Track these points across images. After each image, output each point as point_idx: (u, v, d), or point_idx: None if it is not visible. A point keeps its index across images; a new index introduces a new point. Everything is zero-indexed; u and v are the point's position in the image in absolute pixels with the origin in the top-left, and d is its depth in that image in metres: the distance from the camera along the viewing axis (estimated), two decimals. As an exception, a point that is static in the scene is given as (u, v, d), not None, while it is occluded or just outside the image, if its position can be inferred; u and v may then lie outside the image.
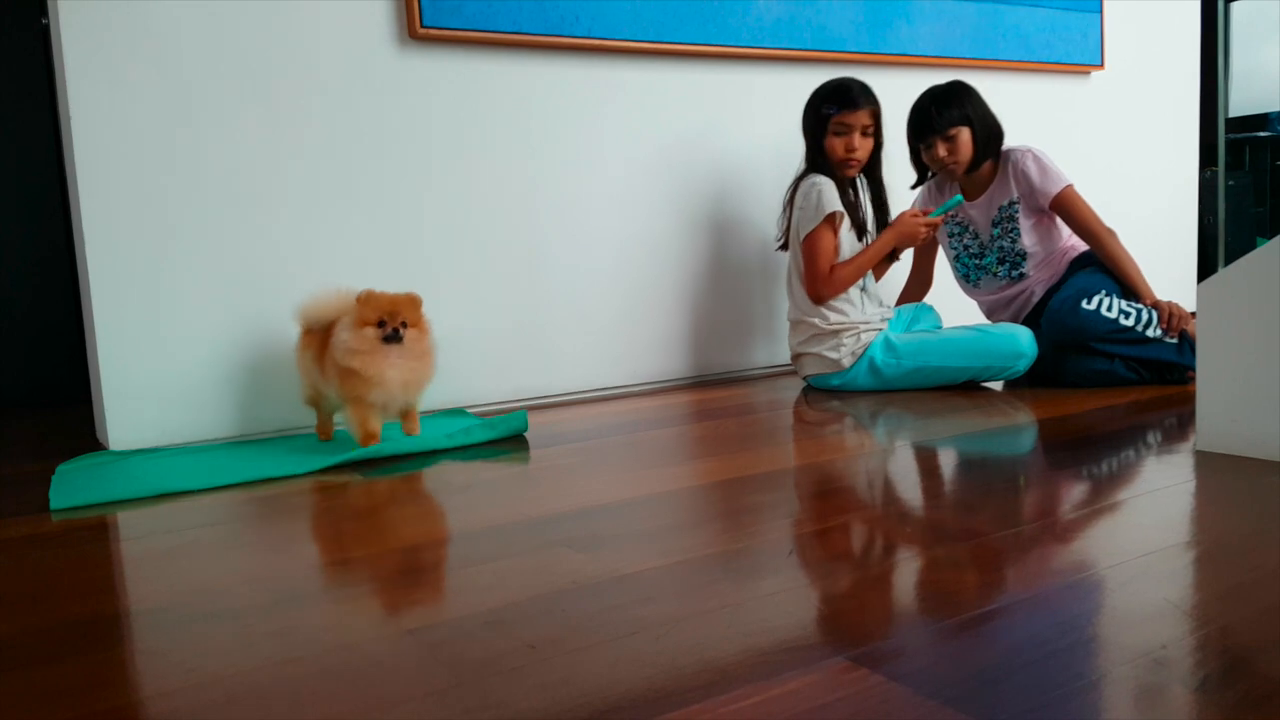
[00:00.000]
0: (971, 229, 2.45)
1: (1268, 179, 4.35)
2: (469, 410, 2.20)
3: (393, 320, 1.80)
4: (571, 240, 2.38)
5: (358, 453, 1.77)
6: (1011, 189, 2.37)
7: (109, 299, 1.90)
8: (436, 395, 2.20)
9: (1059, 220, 2.38)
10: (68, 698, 0.86)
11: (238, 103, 1.99)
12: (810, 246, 2.30)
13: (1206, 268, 3.68)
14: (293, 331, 2.00)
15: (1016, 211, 2.37)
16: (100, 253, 1.89)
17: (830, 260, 2.30)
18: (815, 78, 2.41)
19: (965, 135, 2.33)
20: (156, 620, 1.05)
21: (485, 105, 2.25)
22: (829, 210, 2.26)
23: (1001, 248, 2.41)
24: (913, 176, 2.51)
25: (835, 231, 2.30)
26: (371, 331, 1.79)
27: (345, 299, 1.85)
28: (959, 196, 2.39)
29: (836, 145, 2.32)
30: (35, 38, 2.62)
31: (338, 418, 1.97)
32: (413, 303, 1.85)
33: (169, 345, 1.95)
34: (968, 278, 2.52)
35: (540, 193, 2.33)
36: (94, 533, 1.42)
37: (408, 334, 1.82)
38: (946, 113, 2.32)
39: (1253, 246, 1.51)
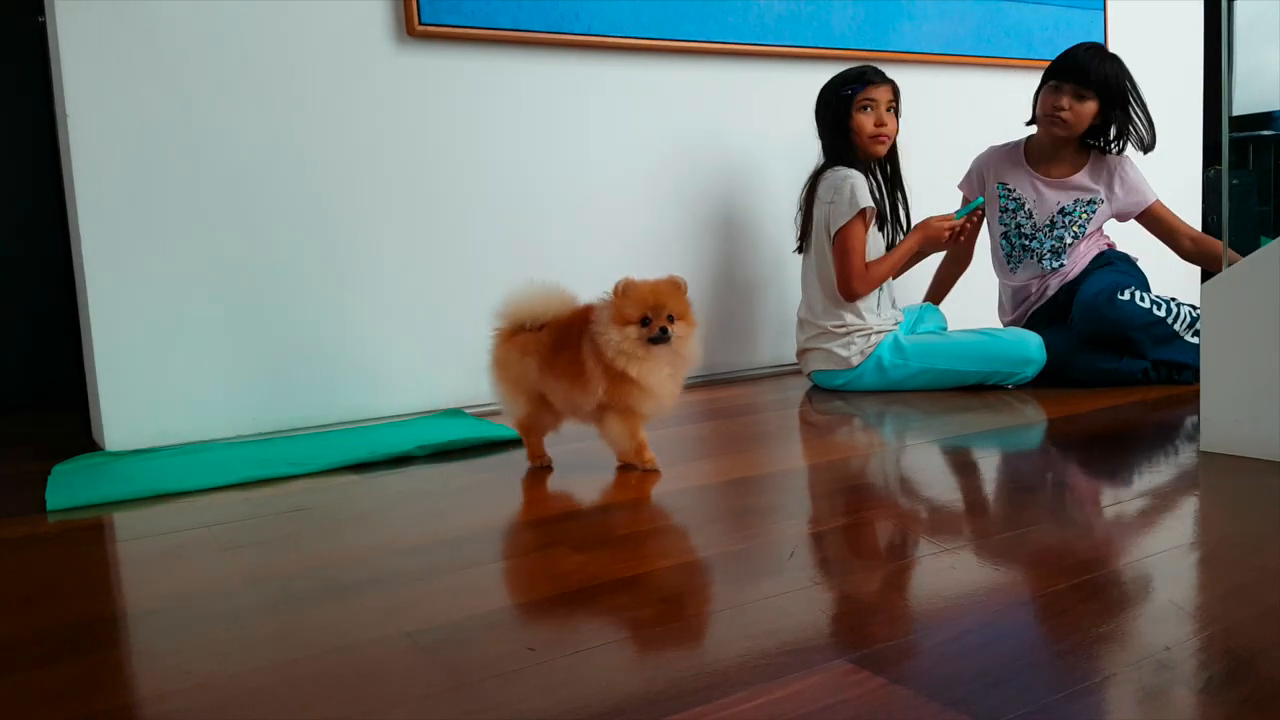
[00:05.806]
0: (1026, 208, 2.39)
1: (1272, 178, 4.34)
2: (468, 411, 2.20)
3: (658, 317, 1.49)
4: (572, 238, 2.37)
5: (358, 455, 1.77)
6: (1102, 187, 2.34)
7: (106, 299, 1.90)
8: (436, 395, 2.20)
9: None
10: (66, 699, 0.86)
11: (235, 100, 1.98)
12: (844, 242, 2.25)
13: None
14: (293, 331, 1.99)
15: (1095, 210, 2.35)
16: (97, 252, 1.88)
17: (863, 256, 2.27)
18: (817, 75, 2.40)
19: (1092, 106, 2.27)
20: (154, 621, 1.05)
21: (484, 103, 2.24)
22: (862, 205, 2.23)
23: (1059, 236, 2.36)
24: (926, 174, 2.47)
25: (866, 227, 2.27)
26: (634, 331, 1.50)
27: (555, 293, 1.61)
28: (980, 199, 2.36)
29: (865, 122, 2.28)
30: (32, 35, 2.62)
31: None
32: (676, 289, 1.53)
33: (166, 346, 1.95)
34: (1008, 258, 2.46)
35: (540, 190, 2.32)
36: (91, 533, 1.41)
37: (674, 329, 1.51)
38: (1101, 69, 2.25)
39: (1257, 246, 1.50)
